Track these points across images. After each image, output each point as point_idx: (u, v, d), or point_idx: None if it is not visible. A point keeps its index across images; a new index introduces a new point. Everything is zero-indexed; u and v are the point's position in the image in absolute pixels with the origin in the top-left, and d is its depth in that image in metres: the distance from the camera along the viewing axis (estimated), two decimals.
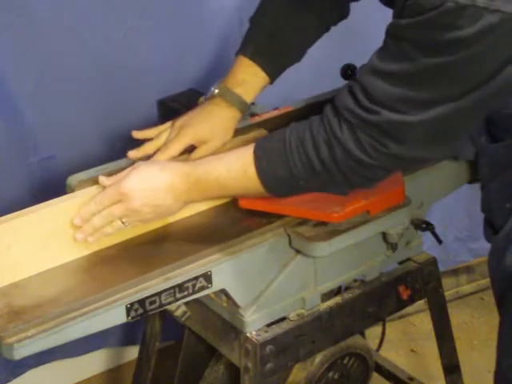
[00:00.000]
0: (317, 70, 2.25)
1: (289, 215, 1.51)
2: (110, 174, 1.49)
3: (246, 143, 1.48)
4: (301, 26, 1.60)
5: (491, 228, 1.56)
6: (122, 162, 1.56)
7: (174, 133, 1.55)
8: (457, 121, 1.28)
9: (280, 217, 1.51)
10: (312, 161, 1.34)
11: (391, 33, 1.26)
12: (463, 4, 1.14)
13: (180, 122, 1.56)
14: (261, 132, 1.63)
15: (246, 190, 1.43)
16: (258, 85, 1.59)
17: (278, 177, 1.39)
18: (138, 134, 1.59)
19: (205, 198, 1.47)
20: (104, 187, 1.44)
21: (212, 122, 1.55)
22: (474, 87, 1.22)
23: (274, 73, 1.59)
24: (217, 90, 1.57)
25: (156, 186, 1.40)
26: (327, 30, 1.65)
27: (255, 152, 1.39)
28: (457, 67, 1.20)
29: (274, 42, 1.57)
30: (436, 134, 1.29)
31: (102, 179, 1.44)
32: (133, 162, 1.51)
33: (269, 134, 1.46)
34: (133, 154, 1.55)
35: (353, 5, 1.64)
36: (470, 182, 1.80)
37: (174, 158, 1.52)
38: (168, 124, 1.59)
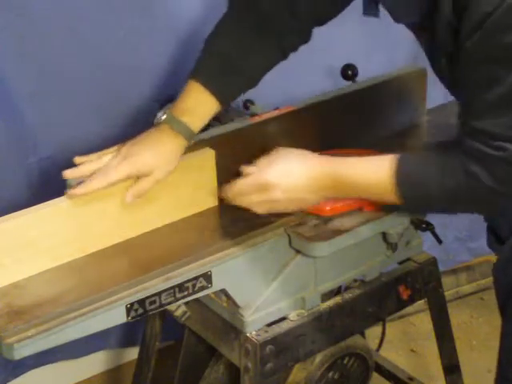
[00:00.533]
0: (317, 69, 2.25)
1: None
2: None
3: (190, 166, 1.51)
4: (256, 52, 1.56)
5: (494, 236, 1.57)
6: None
7: (117, 160, 1.46)
8: None
9: (280, 217, 1.52)
10: (451, 191, 1.39)
11: (465, 65, 1.28)
12: None
13: (125, 148, 1.47)
14: (205, 152, 1.58)
15: (381, 198, 1.46)
16: (207, 112, 1.54)
17: (415, 198, 1.43)
18: (80, 159, 1.50)
19: (340, 196, 1.51)
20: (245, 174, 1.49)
21: (156, 151, 1.47)
22: None
23: (226, 100, 1.56)
24: (164, 117, 1.51)
25: (298, 182, 1.45)
26: (284, 56, 1.60)
27: (397, 170, 1.42)
28: None
29: (227, 68, 1.53)
30: None
31: (244, 167, 1.49)
32: None
33: (407, 154, 1.48)
34: (68, 173, 1.46)
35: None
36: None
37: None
38: (114, 148, 1.50)
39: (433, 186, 1.40)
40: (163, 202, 1.52)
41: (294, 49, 1.61)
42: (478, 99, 1.30)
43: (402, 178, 1.41)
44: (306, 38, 1.61)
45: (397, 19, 1.40)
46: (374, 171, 1.44)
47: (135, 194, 1.46)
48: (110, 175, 1.44)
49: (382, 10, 1.45)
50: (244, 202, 1.48)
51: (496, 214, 1.59)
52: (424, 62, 1.88)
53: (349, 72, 1.85)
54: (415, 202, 1.44)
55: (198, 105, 1.53)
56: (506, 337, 1.60)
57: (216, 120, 1.88)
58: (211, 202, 1.57)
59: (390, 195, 1.42)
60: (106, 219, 1.46)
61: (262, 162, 1.48)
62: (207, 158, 1.56)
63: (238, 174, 1.52)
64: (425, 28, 1.38)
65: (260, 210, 1.48)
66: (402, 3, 1.37)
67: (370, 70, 1.86)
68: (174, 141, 1.49)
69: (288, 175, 1.45)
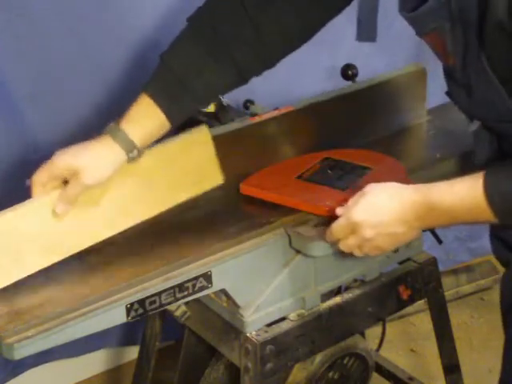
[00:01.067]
0: (317, 70, 2.26)
1: (283, 205, 1.53)
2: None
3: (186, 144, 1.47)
4: (210, 73, 1.48)
5: (502, 242, 1.54)
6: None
7: (47, 164, 1.41)
8: None
9: (280, 217, 1.52)
10: None
11: None
12: None
13: (56, 153, 1.42)
14: (201, 130, 1.56)
15: (476, 220, 1.39)
16: (154, 127, 1.47)
17: (507, 207, 1.34)
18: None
19: (435, 225, 1.47)
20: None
21: (83, 155, 1.41)
22: None
23: (174, 116, 1.48)
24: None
25: (386, 216, 1.38)
26: (245, 80, 1.53)
27: (486, 188, 1.34)
28: None
29: (177, 85, 1.47)
30: None
31: (338, 210, 1.43)
32: None
33: (499, 168, 1.39)
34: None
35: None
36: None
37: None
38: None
39: None
40: (164, 184, 1.50)
41: (256, 74, 1.54)
42: None
43: (494, 195, 1.33)
44: (271, 64, 1.54)
45: (421, 30, 1.38)
46: (467, 194, 1.35)
47: (63, 200, 1.39)
48: (34, 185, 1.40)
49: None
50: (344, 247, 1.44)
51: None
52: (424, 62, 1.89)
53: (349, 72, 1.85)
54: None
55: (145, 117, 1.46)
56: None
57: (216, 120, 1.88)
58: (215, 179, 1.56)
59: (486, 215, 1.34)
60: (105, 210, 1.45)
61: (352, 200, 1.43)
62: (202, 133, 1.55)
63: (238, 174, 1.53)
64: (453, 29, 1.34)
65: (360, 252, 1.44)
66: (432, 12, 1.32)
67: (370, 70, 1.86)
68: (109, 149, 1.42)
69: (375, 210, 1.39)
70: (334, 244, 1.45)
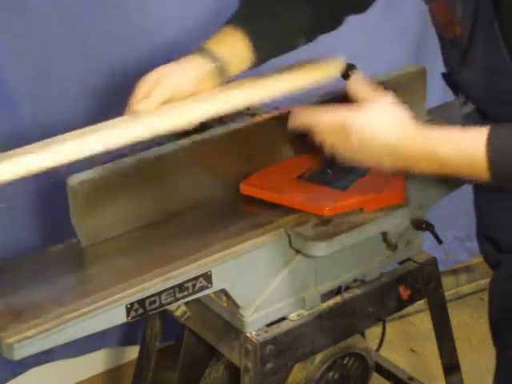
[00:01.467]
0: None
1: (283, 205, 1.53)
2: (110, 174, 1.49)
3: None
4: (302, 13, 1.51)
5: (491, 243, 1.53)
6: (122, 162, 1.56)
7: (150, 84, 1.46)
8: None
9: (280, 217, 1.52)
10: None
11: None
12: None
13: (152, 75, 1.47)
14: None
15: (468, 175, 1.32)
16: (240, 54, 1.49)
17: (510, 176, 1.29)
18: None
19: (422, 170, 1.37)
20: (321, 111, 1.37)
21: (171, 65, 1.46)
22: None
23: (263, 53, 1.51)
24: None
25: (383, 145, 1.32)
26: (339, 22, 1.57)
27: (489, 145, 1.27)
28: None
29: (270, 23, 1.49)
30: None
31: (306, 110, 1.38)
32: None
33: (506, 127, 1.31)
34: (137, 106, 1.48)
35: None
36: (470, 182, 1.80)
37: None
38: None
39: None
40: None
41: (349, 13, 1.57)
42: None
43: (496, 156, 1.26)
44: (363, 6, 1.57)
45: None
46: (467, 141, 1.29)
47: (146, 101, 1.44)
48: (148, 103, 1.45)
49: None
50: (318, 136, 1.37)
51: None
52: (424, 62, 1.88)
53: (349, 72, 1.85)
54: (508, 181, 1.31)
55: (229, 40, 1.49)
56: (504, 364, 1.54)
57: (216, 120, 1.88)
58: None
59: (481, 174, 1.28)
60: None
61: (356, 105, 1.35)
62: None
63: (238, 174, 1.53)
64: None
65: (330, 147, 1.37)
66: None
67: (370, 70, 1.86)
68: (192, 59, 1.47)
69: (373, 138, 1.31)
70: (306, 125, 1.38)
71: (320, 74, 1.52)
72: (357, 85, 1.36)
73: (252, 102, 1.48)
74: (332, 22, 1.61)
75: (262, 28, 1.50)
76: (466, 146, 1.29)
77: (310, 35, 1.58)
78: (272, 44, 1.53)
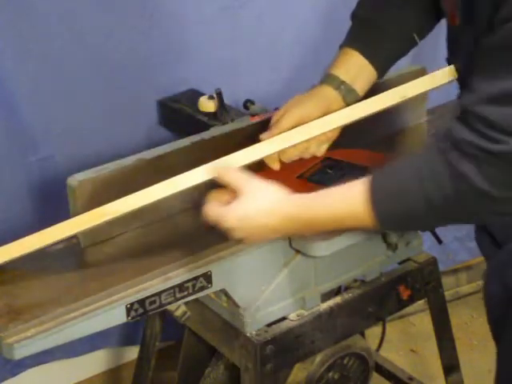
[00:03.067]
0: (317, 69, 2.25)
1: None
2: (110, 174, 1.49)
3: None
4: (404, 20, 1.57)
5: (490, 238, 1.53)
6: (122, 162, 1.56)
7: (280, 113, 1.56)
8: None
9: None
10: (433, 198, 1.22)
11: (491, 49, 1.17)
12: None
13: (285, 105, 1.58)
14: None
15: (355, 226, 1.34)
16: (362, 74, 1.58)
17: (392, 213, 1.28)
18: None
19: (312, 233, 1.43)
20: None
21: (311, 97, 1.56)
22: None
23: (381, 65, 1.58)
24: None
25: (259, 230, 1.34)
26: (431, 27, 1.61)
27: (368, 188, 1.28)
28: None
29: (379, 35, 1.57)
30: None
31: (208, 208, 1.37)
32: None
33: (378, 171, 1.32)
34: (264, 136, 1.53)
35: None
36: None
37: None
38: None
39: (411, 197, 1.24)
40: None
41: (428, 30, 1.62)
42: (490, 84, 1.17)
43: (376, 196, 1.27)
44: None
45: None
46: (342, 200, 1.31)
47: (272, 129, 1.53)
48: (273, 131, 1.53)
49: None
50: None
51: (487, 221, 1.44)
52: (424, 62, 1.88)
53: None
54: (394, 220, 1.29)
55: (347, 61, 1.58)
56: (505, 362, 1.52)
57: (216, 120, 1.88)
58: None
59: (367, 221, 1.28)
60: None
61: (224, 199, 1.37)
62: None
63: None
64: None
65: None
66: None
67: None
68: (318, 88, 1.57)
69: (248, 227, 1.34)
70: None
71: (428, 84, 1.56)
72: (227, 176, 1.38)
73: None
74: (432, 22, 1.63)
75: (374, 43, 1.58)
76: (345, 200, 1.31)
77: (419, 37, 1.61)
78: (387, 56, 1.60)
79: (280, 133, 1.52)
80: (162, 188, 1.41)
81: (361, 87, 1.58)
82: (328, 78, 1.58)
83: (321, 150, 1.61)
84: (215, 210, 1.35)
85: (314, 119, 1.53)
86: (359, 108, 1.53)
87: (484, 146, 1.17)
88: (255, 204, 1.34)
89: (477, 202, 1.21)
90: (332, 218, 1.32)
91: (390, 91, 1.53)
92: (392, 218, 1.28)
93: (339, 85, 1.56)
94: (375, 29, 1.57)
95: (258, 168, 1.56)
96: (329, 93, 1.57)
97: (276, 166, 1.57)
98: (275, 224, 1.33)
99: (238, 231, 1.34)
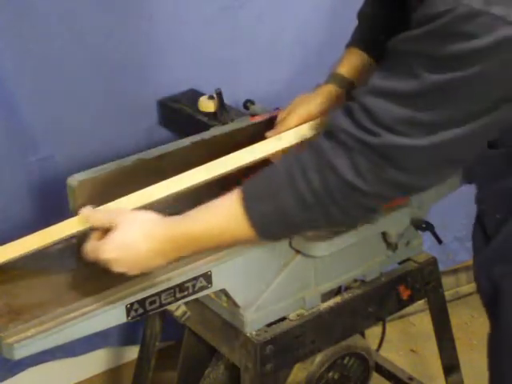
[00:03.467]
0: (317, 69, 2.25)
1: None
2: (110, 174, 1.49)
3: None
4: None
5: (483, 233, 1.54)
6: (122, 162, 1.56)
7: (286, 112, 1.58)
8: (463, 146, 1.18)
9: None
10: (303, 193, 1.21)
11: (394, 48, 1.17)
12: (477, 10, 1.04)
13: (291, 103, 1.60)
14: None
15: (233, 238, 1.30)
16: (359, 63, 1.59)
17: (266, 215, 1.25)
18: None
19: (197, 251, 1.36)
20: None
21: (316, 96, 1.58)
22: (483, 110, 1.13)
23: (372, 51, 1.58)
24: None
25: (140, 256, 1.30)
26: None
27: (241, 194, 1.27)
28: (467, 85, 1.10)
29: (381, 31, 1.52)
30: (440, 161, 1.19)
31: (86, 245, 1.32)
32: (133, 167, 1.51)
33: (256, 174, 1.32)
34: (270, 133, 1.55)
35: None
36: (470, 182, 1.80)
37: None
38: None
39: (282, 196, 1.23)
40: None
41: None
42: (386, 80, 1.16)
43: (248, 201, 1.25)
44: None
45: None
46: (220, 206, 1.28)
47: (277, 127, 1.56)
48: (279, 129, 1.55)
49: None
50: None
51: (360, 223, 1.43)
52: None
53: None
54: (270, 225, 1.26)
55: (350, 57, 1.59)
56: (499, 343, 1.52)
57: (216, 120, 1.88)
58: None
59: (245, 229, 1.25)
60: None
61: (99, 230, 1.33)
62: None
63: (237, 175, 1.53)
64: None
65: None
66: None
67: None
68: (323, 86, 1.58)
69: (126, 255, 1.29)
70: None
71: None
72: (95, 219, 1.34)
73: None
74: None
75: (380, 42, 1.53)
76: (221, 212, 1.29)
77: None
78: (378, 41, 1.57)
79: (285, 131, 1.52)
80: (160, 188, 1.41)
81: (353, 75, 1.58)
82: (333, 77, 1.59)
83: None
84: (93, 244, 1.31)
85: (317, 116, 1.53)
86: None
87: (359, 136, 1.17)
88: (132, 231, 1.29)
89: (344, 194, 1.20)
90: (210, 232, 1.28)
91: None
92: (267, 223, 1.26)
93: (345, 84, 1.57)
94: (380, 28, 1.56)
95: (263, 165, 1.56)
96: (334, 91, 1.57)
97: None
98: (156, 247, 1.28)
99: (119, 262, 1.29)
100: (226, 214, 1.28)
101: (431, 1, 1.10)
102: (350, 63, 1.59)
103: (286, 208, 1.23)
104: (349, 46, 1.62)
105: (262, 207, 1.25)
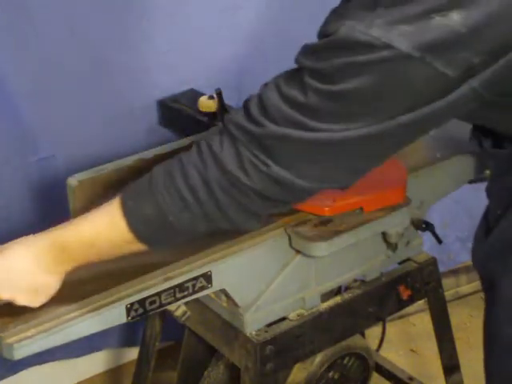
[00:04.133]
0: None
1: None
2: (110, 174, 1.49)
3: None
4: None
5: (486, 227, 1.55)
6: (122, 162, 1.56)
7: None
8: (347, 154, 1.17)
9: (280, 217, 1.51)
10: (180, 189, 1.19)
11: (296, 58, 1.20)
12: (360, 31, 1.07)
13: None
14: None
15: (113, 243, 1.26)
16: None
17: (145, 215, 1.22)
18: None
19: (82, 261, 1.29)
20: None
21: None
22: (365, 124, 1.12)
23: None
24: None
25: (23, 274, 1.26)
26: None
27: (121, 195, 1.24)
28: (349, 98, 1.11)
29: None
30: (315, 160, 1.16)
31: None
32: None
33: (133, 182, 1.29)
34: None
35: None
36: (471, 181, 1.80)
37: None
38: None
39: (161, 195, 1.20)
40: None
41: None
42: (286, 84, 1.16)
43: (126, 193, 1.23)
44: None
45: None
46: (102, 209, 1.25)
47: None
48: None
49: None
50: None
51: (250, 226, 1.28)
52: None
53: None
54: (149, 227, 1.23)
55: None
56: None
57: (216, 120, 1.88)
58: None
59: (123, 232, 1.23)
60: None
61: None
62: None
63: None
64: None
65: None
66: None
67: None
68: None
69: (8, 270, 1.26)
70: None
71: None
72: None
73: None
74: None
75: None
76: (99, 214, 1.26)
77: None
78: None
79: None
80: None
81: None
82: None
83: None
84: None
85: None
86: None
87: (245, 126, 1.16)
88: (9, 252, 1.27)
89: (223, 187, 1.18)
90: (81, 237, 1.25)
91: None
92: (146, 224, 1.22)
93: None
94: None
95: None
96: None
97: None
98: (37, 259, 1.25)
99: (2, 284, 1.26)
100: (103, 216, 1.25)
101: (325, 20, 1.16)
102: None
103: (163, 207, 1.20)
104: None
105: (140, 207, 1.22)
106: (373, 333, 2.06)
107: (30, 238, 1.29)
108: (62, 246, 1.26)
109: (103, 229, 1.25)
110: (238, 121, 1.18)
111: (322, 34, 1.14)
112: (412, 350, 2.59)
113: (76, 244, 1.26)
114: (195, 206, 1.20)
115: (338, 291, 1.69)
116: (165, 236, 1.26)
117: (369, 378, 1.78)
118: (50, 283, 1.29)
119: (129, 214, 1.23)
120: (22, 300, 1.28)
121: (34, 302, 1.29)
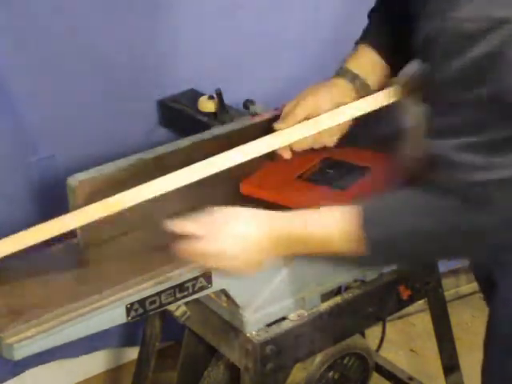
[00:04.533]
0: (317, 69, 2.25)
1: (283, 205, 1.52)
2: (110, 174, 1.49)
3: None
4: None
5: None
6: (122, 162, 1.56)
7: (293, 103, 1.59)
8: None
9: None
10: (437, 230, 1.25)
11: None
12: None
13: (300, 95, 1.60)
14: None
15: (336, 249, 1.32)
16: (377, 69, 1.60)
17: (390, 236, 1.27)
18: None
19: (296, 253, 1.38)
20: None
21: (325, 88, 1.59)
22: None
23: (392, 60, 1.59)
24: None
25: (255, 250, 1.32)
26: None
27: (362, 207, 1.29)
28: None
29: (390, 30, 1.57)
30: None
31: (189, 228, 1.32)
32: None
33: (375, 198, 1.33)
34: (278, 125, 1.57)
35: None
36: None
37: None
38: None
39: (405, 226, 1.26)
40: None
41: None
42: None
43: (369, 223, 1.27)
44: None
45: None
46: (335, 222, 1.31)
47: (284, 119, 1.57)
48: (288, 120, 1.56)
49: None
50: (201, 263, 1.37)
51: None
52: None
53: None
54: (383, 250, 1.29)
55: (367, 62, 1.60)
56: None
57: (216, 120, 1.89)
58: None
59: (356, 244, 1.28)
60: None
61: (208, 226, 1.33)
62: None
63: (238, 174, 1.53)
64: None
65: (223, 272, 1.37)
66: None
67: None
68: (332, 82, 1.59)
69: (238, 250, 1.31)
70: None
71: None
72: (187, 225, 1.32)
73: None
74: None
75: (389, 43, 1.59)
76: (338, 221, 1.30)
77: None
78: (400, 53, 1.56)
79: (294, 122, 1.54)
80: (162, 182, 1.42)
81: (374, 83, 1.60)
82: (342, 71, 1.60)
83: (333, 140, 1.61)
84: (196, 240, 1.30)
85: (328, 109, 1.54)
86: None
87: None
88: (244, 221, 1.32)
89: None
90: (324, 238, 1.30)
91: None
92: (382, 244, 1.27)
93: (353, 78, 1.58)
94: (389, 27, 1.58)
95: (268, 157, 1.57)
96: (343, 84, 1.59)
97: (287, 155, 1.58)
98: (270, 239, 1.30)
99: (231, 252, 1.30)
100: (338, 223, 1.30)
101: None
102: (359, 59, 1.60)
103: (404, 244, 1.27)
104: (360, 42, 1.62)
105: (381, 236, 1.27)
106: (373, 333, 2.06)
107: (264, 216, 1.33)
108: (289, 235, 1.31)
109: (337, 237, 1.29)
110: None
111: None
112: (412, 350, 2.59)
113: (302, 239, 1.31)
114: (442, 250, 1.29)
115: (338, 291, 1.69)
116: (391, 257, 1.36)
117: (369, 378, 1.78)
118: (264, 263, 1.34)
119: (368, 237, 1.26)
120: (237, 268, 1.33)
121: (244, 273, 1.35)
